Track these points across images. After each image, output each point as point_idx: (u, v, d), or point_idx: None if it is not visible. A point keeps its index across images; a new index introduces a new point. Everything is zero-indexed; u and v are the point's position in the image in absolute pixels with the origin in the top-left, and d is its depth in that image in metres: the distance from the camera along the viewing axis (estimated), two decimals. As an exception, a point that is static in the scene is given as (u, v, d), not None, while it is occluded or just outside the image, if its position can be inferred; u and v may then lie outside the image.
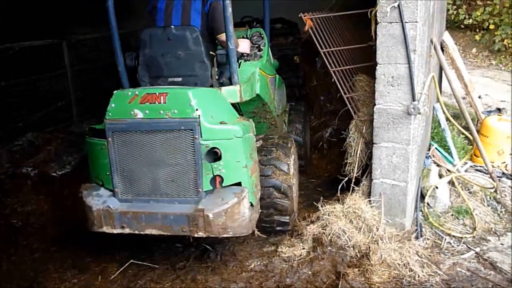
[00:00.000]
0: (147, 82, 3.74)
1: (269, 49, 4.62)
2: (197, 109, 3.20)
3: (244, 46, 4.11)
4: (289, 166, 3.91)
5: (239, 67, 3.87)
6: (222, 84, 3.71)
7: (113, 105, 3.32)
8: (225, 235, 3.29)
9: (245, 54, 4.12)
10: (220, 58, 3.64)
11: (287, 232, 4.03)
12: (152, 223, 3.31)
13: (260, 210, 3.69)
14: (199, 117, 3.20)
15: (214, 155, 3.25)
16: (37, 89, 6.16)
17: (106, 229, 3.39)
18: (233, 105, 3.64)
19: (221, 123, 3.31)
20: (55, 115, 6.33)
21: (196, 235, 3.27)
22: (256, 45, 4.39)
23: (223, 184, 3.30)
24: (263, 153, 3.88)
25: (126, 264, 3.81)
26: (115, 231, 3.39)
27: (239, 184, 3.31)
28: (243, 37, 4.32)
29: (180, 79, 3.68)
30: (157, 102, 3.24)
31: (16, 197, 4.89)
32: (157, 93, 3.25)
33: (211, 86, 3.66)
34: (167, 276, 3.68)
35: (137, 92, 3.29)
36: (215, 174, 3.28)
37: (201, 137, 3.22)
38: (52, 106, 6.33)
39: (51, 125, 6.18)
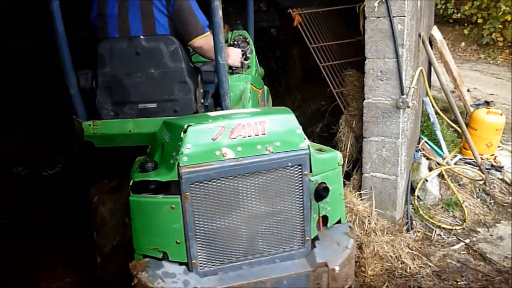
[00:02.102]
0: (110, 109, 2.95)
1: (256, 56, 4.07)
2: (305, 138, 2.45)
3: (235, 57, 3.43)
4: None
5: None
6: (206, 108, 3.08)
7: (188, 145, 2.31)
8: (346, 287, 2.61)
9: (233, 67, 3.50)
10: (206, 76, 2.94)
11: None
12: None
13: None
14: (308, 148, 2.44)
15: (324, 191, 2.53)
16: (28, 89, 6.11)
17: None
18: None
19: (317, 149, 2.63)
20: (46, 115, 6.29)
21: None
22: (242, 53, 3.61)
23: (328, 225, 2.66)
24: None
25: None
26: None
27: (339, 221, 2.71)
28: (232, 44, 3.66)
29: (154, 105, 2.93)
30: (253, 135, 2.37)
31: (7, 197, 4.87)
32: (253, 122, 2.39)
33: (196, 112, 2.96)
34: (160, 273, 3.69)
35: (222, 125, 2.36)
36: (321, 214, 2.60)
37: (311, 172, 2.48)
38: (44, 105, 6.29)
39: (42, 124, 6.14)
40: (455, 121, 4.85)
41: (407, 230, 3.86)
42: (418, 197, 4.20)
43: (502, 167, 4.73)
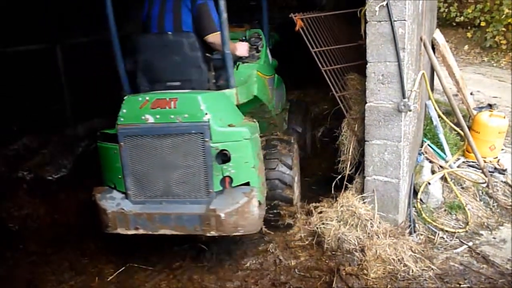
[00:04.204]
0: (146, 86, 3.79)
1: (268, 49, 4.63)
2: (206, 113, 3.28)
3: (242, 49, 4.13)
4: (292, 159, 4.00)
5: (236, 69, 4.00)
6: (219, 87, 3.75)
7: (124, 110, 3.40)
8: (236, 233, 3.37)
9: (244, 57, 4.18)
10: (216, 63, 3.71)
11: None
12: (166, 223, 3.38)
13: (266, 207, 3.74)
14: (209, 121, 3.28)
15: (224, 156, 3.33)
16: (32, 93, 6.16)
17: (120, 230, 3.46)
18: None
19: (229, 125, 3.39)
20: (51, 119, 6.33)
21: (208, 234, 3.35)
22: (254, 47, 4.41)
23: (233, 185, 3.38)
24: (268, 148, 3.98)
25: (123, 267, 3.83)
26: (129, 233, 3.45)
27: (247, 184, 3.40)
28: (241, 40, 4.35)
29: (178, 83, 3.73)
30: (167, 107, 3.31)
31: (12, 201, 4.90)
32: (168, 98, 3.33)
33: (208, 89, 3.71)
34: (164, 276, 3.71)
35: (147, 98, 3.36)
36: (224, 175, 3.36)
37: (211, 139, 3.30)
38: (47, 109, 6.33)
39: (47, 128, 6.17)
40: (458, 124, 4.84)
41: (410, 233, 3.85)
42: (421, 200, 4.20)
43: (505, 170, 4.72)
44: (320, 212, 4.00)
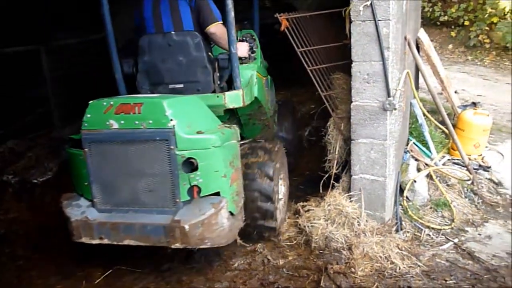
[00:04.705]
0: (147, 89, 3.70)
1: (261, 50, 4.57)
2: (171, 119, 3.10)
3: (243, 49, 4.03)
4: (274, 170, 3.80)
5: None
6: (222, 89, 3.68)
7: (88, 115, 3.24)
8: (203, 246, 3.21)
9: (243, 58, 4.07)
10: (222, 63, 3.62)
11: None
12: (130, 233, 3.24)
13: (244, 218, 3.59)
14: (174, 127, 3.10)
15: (191, 165, 3.14)
16: (17, 96, 6.10)
17: (85, 239, 3.32)
18: (230, 109, 3.62)
19: (198, 132, 3.20)
20: (36, 122, 6.28)
21: (173, 246, 3.19)
22: (249, 47, 4.29)
23: (201, 194, 3.20)
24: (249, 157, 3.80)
25: (111, 270, 3.80)
26: (93, 242, 3.31)
27: (218, 193, 3.23)
28: (241, 40, 4.25)
29: (181, 85, 3.64)
30: (132, 113, 3.15)
31: (-3, 205, 4.86)
32: (132, 104, 3.16)
33: (214, 91, 3.63)
34: (152, 278, 3.69)
35: (112, 102, 3.20)
36: (192, 184, 3.17)
37: (177, 147, 3.12)
38: (33, 112, 6.28)
39: (32, 131, 6.12)
40: (443, 123, 4.90)
41: (396, 231, 3.89)
42: (407, 198, 4.23)
43: (489, 167, 4.79)
44: (308, 211, 4.02)
